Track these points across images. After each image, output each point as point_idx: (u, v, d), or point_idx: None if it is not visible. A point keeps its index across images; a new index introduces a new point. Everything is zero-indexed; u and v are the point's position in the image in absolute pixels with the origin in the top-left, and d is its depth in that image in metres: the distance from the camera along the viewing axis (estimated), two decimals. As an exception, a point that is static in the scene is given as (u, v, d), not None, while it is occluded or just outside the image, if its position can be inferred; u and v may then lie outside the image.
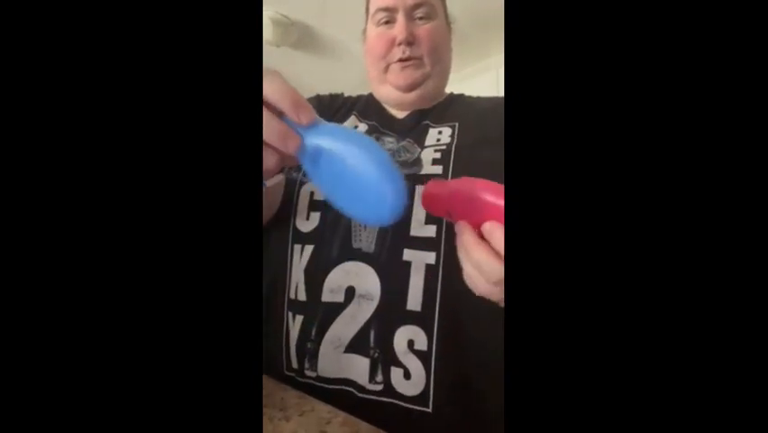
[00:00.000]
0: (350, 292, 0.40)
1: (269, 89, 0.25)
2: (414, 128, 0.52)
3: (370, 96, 0.61)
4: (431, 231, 0.40)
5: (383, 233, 0.41)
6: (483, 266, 0.27)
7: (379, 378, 0.38)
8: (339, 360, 0.39)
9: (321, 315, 0.41)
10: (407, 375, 0.37)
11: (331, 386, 0.39)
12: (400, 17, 0.52)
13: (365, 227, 0.42)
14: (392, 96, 0.55)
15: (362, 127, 0.53)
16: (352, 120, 0.55)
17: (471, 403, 0.37)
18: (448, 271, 0.39)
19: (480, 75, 2.14)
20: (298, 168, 0.45)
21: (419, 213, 0.41)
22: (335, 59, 2.21)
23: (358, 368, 0.39)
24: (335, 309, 0.40)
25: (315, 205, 0.44)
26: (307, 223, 0.44)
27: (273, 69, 0.27)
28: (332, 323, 0.40)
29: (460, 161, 0.43)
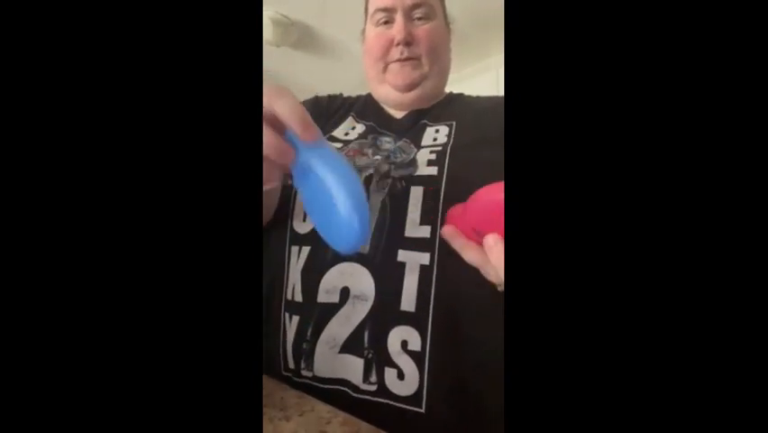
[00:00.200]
0: (345, 293, 0.40)
1: (281, 105, 0.26)
2: (411, 128, 0.52)
3: (369, 96, 0.61)
4: (425, 232, 0.40)
5: (378, 234, 0.41)
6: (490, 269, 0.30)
7: (373, 378, 0.38)
8: (334, 360, 0.39)
9: (316, 315, 0.41)
10: (401, 376, 0.37)
11: (326, 386, 0.39)
12: (399, 17, 0.52)
13: None
14: (391, 96, 0.55)
15: (360, 128, 0.53)
16: (349, 121, 0.55)
17: (466, 404, 0.37)
18: (442, 272, 0.39)
19: (480, 75, 2.14)
20: None
21: (414, 214, 0.41)
22: (335, 59, 2.21)
23: (352, 368, 0.39)
24: (330, 310, 0.40)
25: None
26: (304, 225, 0.45)
27: (283, 85, 0.28)
28: (327, 323, 0.40)
29: (455, 162, 0.43)
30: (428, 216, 0.41)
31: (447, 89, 0.60)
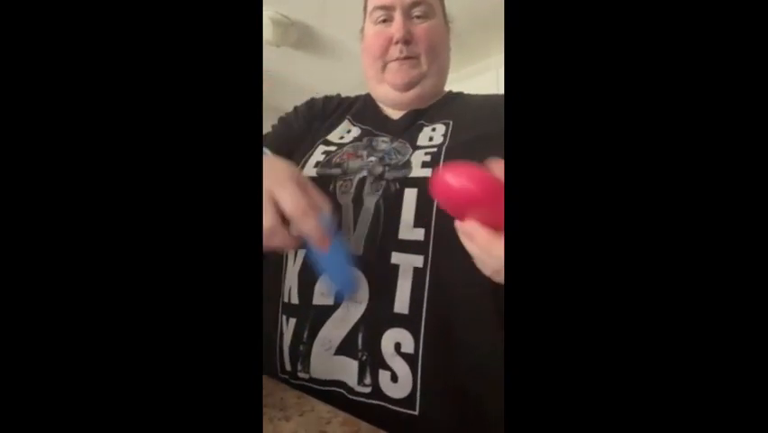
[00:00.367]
0: (340, 296, 0.41)
1: (284, 199, 0.32)
2: (408, 128, 0.52)
3: (368, 96, 0.60)
4: (419, 234, 0.40)
5: (372, 236, 0.41)
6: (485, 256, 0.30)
7: (368, 380, 0.38)
8: (329, 362, 0.39)
9: (312, 317, 0.41)
10: (395, 378, 0.37)
11: (323, 388, 0.39)
12: (398, 15, 0.52)
13: (354, 230, 0.42)
14: (390, 95, 0.55)
15: (355, 131, 0.53)
16: (345, 124, 0.55)
17: (460, 407, 0.37)
18: (436, 274, 0.39)
19: (480, 75, 2.14)
20: None
21: (408, 216, 0.41)
22: (335, 59, 2.21)
23: (347, 370, 0.39)
24: (326, 312, 0.40)
25: None
26: None
27: (282, 165, 0.35)
28: (322, 325, 0.40)
29: (449, 162, 0.43)
30: (422, 219, 0.41)
31: (447, 89, 0.60)
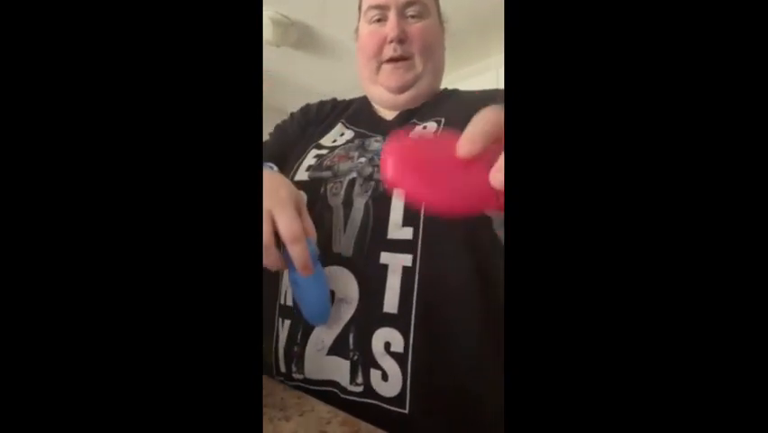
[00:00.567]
0: (330, 296, 0.41)
1: (281, 222, 0.34)
2: (401, 127, 0.52)
3: (363, 98, 0.61)
4: (408, 234, 0.40)
5: (361, 237, 0.42)
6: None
7: (360, 380, 0.38)
8: (322, 362, 0.40)
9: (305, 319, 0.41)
10: (385, 377, 0.37)
11: (317, 388, 0.40)
12: (392, 15, 0.52)
13: (344, 232, 0.43)
14: (384, 97, 0.55)
15: (348, 134, 0.54)
16: (338, 128, 0.55)
17: (450, 404, 0.37)
18: (425, 273, 0.39)
19: (480, 75, 2.14)
20: None
21: (396, 216, 0.41)
22: (335, 59, 2.22)
23: (340, 370, 0.39)
24: None
25: None
26: None
27: (282, 187, 0.37)
28: (315, 326, 0.41)
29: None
30: (410, 218, 0.41)
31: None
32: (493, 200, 0.23)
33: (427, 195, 0.23)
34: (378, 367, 0.38)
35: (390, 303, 0.39)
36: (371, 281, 0.40)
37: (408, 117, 0.53)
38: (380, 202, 0.42)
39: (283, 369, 0.42)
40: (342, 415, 0.33)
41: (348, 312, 0.40)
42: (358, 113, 0.58)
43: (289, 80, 2.50)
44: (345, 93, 0.61)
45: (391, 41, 0.51)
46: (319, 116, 0.59)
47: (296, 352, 0.41)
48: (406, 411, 0.36)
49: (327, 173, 0.47)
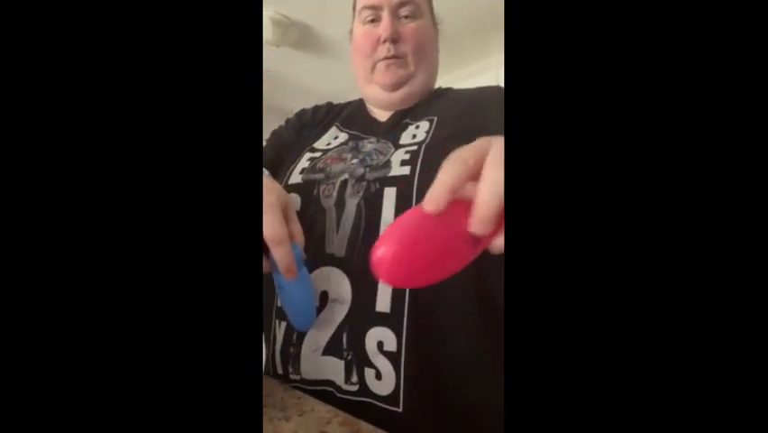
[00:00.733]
0: (324, 297, 0.41)
1: (267, 221, 0.33)
2: (394, 128, 0.52)
3: (359, 101, 0.61)
4: None
5: (354, 237, 0.42)
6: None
7: (354, 379, 0.38)
8: (318, 362, 0.40)
9: None
10: (379, 376, 0.38)
11: (313, 388, 0.40)
12: (385, 15, 0.52)
13: (337, 233, 0.43)
14: (379, 95, 0.56)
15: (342, 137, 0.54)
16: (332, 131, 0.56)
17: (443, 402, 0.37)
18: None
19: (480, 75, 2.14)
20: None
21: (388, 215, 0.41)
22: (335, 59, 2.22)
23: (335, 369, 0.39)
24: None
25: None
26: None
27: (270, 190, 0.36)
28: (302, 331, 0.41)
29: (429, 158, 0.43)
30: None
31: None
32: (480, 245, 0.25)
33: (419, 283, 0.26)
34: (371, 366, 0.38)
35: (383, 302, 0.39)
36: (364, 281, 0.40)
37: (402, 117, 0.54)
38: (372, 202, 0.42)
39: (280, 370, 0.42)
40: (342, 415, 0.33)
41: (341, 312, 0.40)
42: (352, 115, 0.58)
43: (289, 80, 2.50)
44: (345, 93, 0.61)
45: (385, 41, 0.52)
46: (314, 120, 0.60)
47: (292, 353, 0.41)
48: (400, 410, 0.36)
49: (320, 175, 0.47)
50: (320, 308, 0.41)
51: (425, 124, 0.50)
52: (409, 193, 0.41)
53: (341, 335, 0.39)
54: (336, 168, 0.47)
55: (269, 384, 0.39)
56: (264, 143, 0.62)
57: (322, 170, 0.48)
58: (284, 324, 0.43)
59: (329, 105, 0.63)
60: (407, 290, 0.39)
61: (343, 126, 0.56)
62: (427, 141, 0.46)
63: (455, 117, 0.49)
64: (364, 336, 0.38)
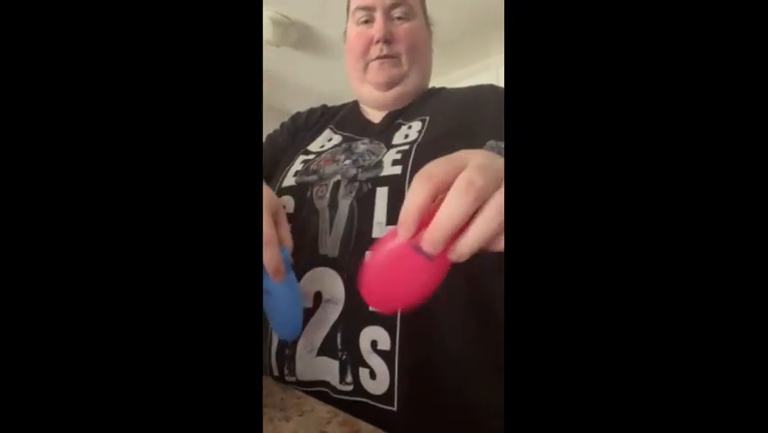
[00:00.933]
0: (318, 297, 0.41)
1: (264, 255, 0.33)
2: (387, 128, 0.52)
3: (353, 103, 0.62)
4: None
5: (347, 237, 0.42)
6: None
7: (349, 378, 0.38)
8: (313, 363, 0.40)
9: None
10: (373, 375, 0.38)
11: (309, 389, 0.40)
12: (378, 16, 0.53)
13: (330, 234, 0.43)
14: (372, 95, 0.56)
15: (336, 139, 0.54)
16: (326, 133, 0.56)
17: (438, 400, 0.37)
18: None
19: (480, 75, 2.14)
20: None
21: (380, 215, 0.41)
22: (335, 59, 2.22)
23: (330, 370, 0.39)
24: (306, 315, 0.41)
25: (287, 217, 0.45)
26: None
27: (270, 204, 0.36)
28: (303, 328, 0.41)
29: (420, 158, 0.43)
30: (394, 216, 0.40)
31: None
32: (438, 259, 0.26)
33: (401, 305, 0.29)
34: (366, 366, 0.38)
35: None
36: (357, 281, 0.40)
37: (395, 118, 0.54)
38: (364, 202, 0.42)
39: (275, 372, 0.42)
40: (342, 415, 0.33)
41: (335, 312, 0.40)
42: (346, 118, 0.59)
43: (289, 80, 2.50)
44: (345, 93, 0.61)
45: (378, 42, 0.53)
46: (308, 123, 0.61)
47: (287, 354, 0.41)
48: (395, 409, 0.37)
49: (313, 177, 0.47)
50: (314, 309, 0.41)
51: (417, 124, 0.50)
52: (401, 192, 0.41)
53: (335, 335, 0.40)
54: (329, 169, 0.47)
55: (268, 384, 0.39)
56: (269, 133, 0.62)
57: (315, 172, 0.48)
58: None
59: (324, 107, 0.64)
60: None
61: (337, 128, 0.57)
62: (419, 140, 0.46)
63: (448, 116, 0.50)
64: (358, 335, 0.39)
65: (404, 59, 0.54)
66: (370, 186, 0.43)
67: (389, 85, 0.54)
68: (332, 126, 0.58)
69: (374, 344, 0.38)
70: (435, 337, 0.38)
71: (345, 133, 0.55)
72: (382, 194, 0.42)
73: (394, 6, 0.53)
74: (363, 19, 0.55)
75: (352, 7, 0.56)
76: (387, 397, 0.37)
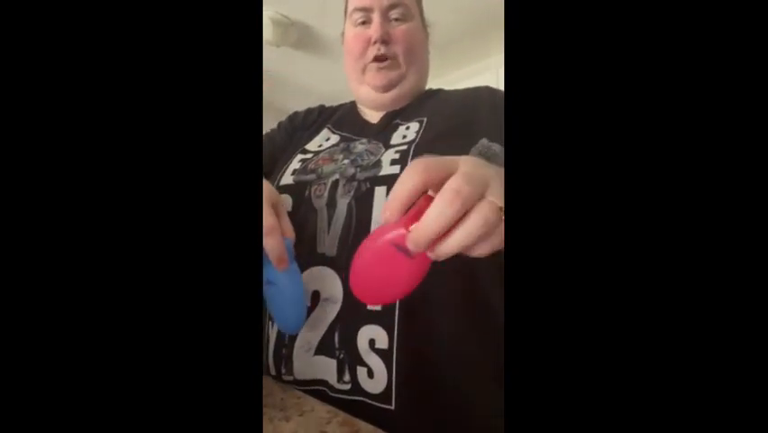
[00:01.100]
0: (316, 296, 0.41)
1: (266, 244, 0.33)
2: (385, 129, 0.53)
3: (351, 103, 0.62)
4: None
5: (345, 236, 0.42)
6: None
7: (347, 377, 0.39)
8: (310, 362, 0.40)
9: None
10: (371, 374, 0.38)
11: (306, 388, 0.40)
12: (376, 17, 0.53)
13: (328, 233, 0.43)
14: (370, 96, 0.56)
15: (334, 138, 0.55)
16: (324, 133, 0.57)
17: (435, 399, 0.38)
18: None
19: (480, 75, 2.14)
20: None
21: (378, 215, 0.41)
22: (335, 59, 2.21)
23: (327, 369, 0.39)
24: None
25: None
26: None
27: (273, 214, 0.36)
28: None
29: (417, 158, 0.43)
30: None
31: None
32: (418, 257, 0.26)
33: (388, 300, 0.31)
34: (363, 364, 0.38)
35: None
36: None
37: (392, 118, 0.54)
38: (363, 202, 0.42)
39: (273, 372, 0.42)
40: (342, 415, 0.33)
41: (333, 311, 0.40)
42: (344, 117, 0.59)
43: (289, 80, 2.50)
44: (345, 93, 0.61)
45: (375, 42, 0.53)
46: (306, 123, 0.61)
47: (284, 354, 0.41)
48: (392, 407, 0.37)
49: (311, 176, 0.47)
50: (312, 308, 0.41)
51: (415, 125, 0.50)
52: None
53: (333, 333, 0.40)
54: (327, 168, 0.47)
55: (268, 384, 0.39)
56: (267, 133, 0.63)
57: (313, 171, 0.48)
58: (276, 325, 0.43)
59: (321, 107, 0.64)
60: None
61: (335, 128, 0.57)
62: (417, 141, 0.47)
63: (445, 117, 0.50)
64: (356, 334, 0.39)
65: (401, 60, 0.54)
66: (368, 185, 0.43)
67: (388, 87, 0.55)
68: (329, 126, 0.58)
69: (372, 342, 0.38)
70: (434, 336, 0.38)
71: (343, 133, 0.55)
72: (381, 193, 0.42)
73: (391, 8, 0.54)
74: (361, 20, 0.55)
75: (350, 8, 0.56)
76: (384, 396, 0.37)
